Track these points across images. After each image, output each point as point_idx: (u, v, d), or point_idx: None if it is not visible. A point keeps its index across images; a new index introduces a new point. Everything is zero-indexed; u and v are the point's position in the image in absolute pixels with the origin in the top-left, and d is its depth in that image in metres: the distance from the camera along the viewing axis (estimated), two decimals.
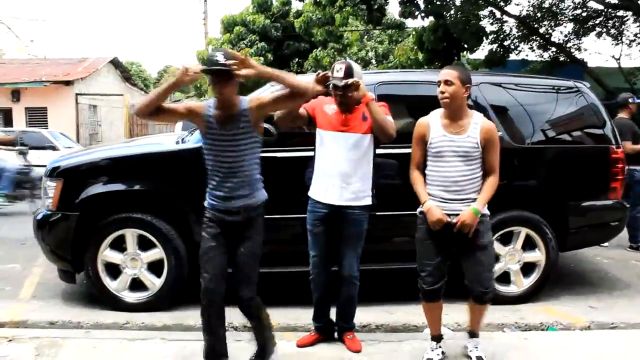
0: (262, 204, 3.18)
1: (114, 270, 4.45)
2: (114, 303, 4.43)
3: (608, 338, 4.03)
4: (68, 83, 21.75)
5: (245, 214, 3.10)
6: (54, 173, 4.46)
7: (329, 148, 3.57)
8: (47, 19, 78.80)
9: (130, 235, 4.39)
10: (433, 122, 3.34)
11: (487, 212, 3.36)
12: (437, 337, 3.54)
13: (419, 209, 3.40)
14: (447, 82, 3.23)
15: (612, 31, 16.86)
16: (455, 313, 4.36)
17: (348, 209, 3.53)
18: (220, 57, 2.83)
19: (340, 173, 3.53)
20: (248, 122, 3.00)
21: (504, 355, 3.54)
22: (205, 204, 3.18)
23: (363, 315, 3.88)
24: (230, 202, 3.07)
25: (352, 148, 3.53)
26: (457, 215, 3.25)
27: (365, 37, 28.85)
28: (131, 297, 4.45)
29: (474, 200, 3.27)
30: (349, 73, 3.47)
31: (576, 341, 3.96)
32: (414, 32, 19.92)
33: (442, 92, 3.25)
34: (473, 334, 3.60)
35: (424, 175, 3.38)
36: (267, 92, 3.24)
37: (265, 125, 4.16)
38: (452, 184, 3.27)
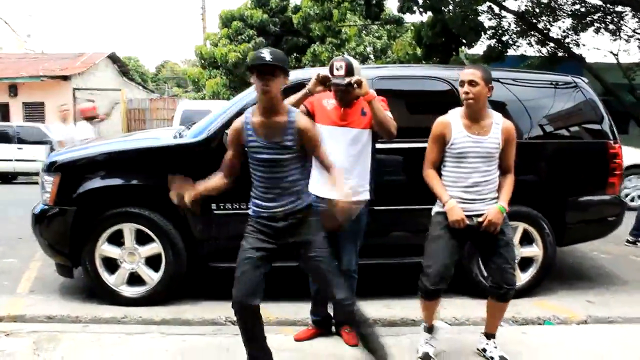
0: (309, 206, 3.03)
1: (111, 265, 4.45)
2: (112, 297, 4.43)
3: (605, 332, 4.05)
4: (65, 78, 21.70)
5: (292, 219, 2.96)
6: (52, 168, 4.45)
7: (327, 143, 3.53)
8: (44, 13, 78.44)
9: (128, 229, 4.39)
10: (454, 122, 3.28)
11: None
12: (430, 329, 3.53)
13: (436, 208, 3.38)
14: (472, 83, 3.19)
15: (611, 27, 16.85)
16: (453, 308, 4.39)
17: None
18: (266, 54, 2.77)
19: (341, 168, 3.51)
20: (290, 138, 2.87)
21: (501, 350, 3.54)
22: (250, 212, 3.06)
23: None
24: (274, 210, 2.94)
25: (350, 143, 3.52)
26: (477, 215, 3.24)
27: (364, 32, 28.77)
28: (129, 291, 4.46)
29: (493, 199, 3.28)
30: (349, 71, 3.44)
31: (573, 335, 3.98)
32: (412, 27, 19.89)
33: (467, 93, 3.20)
34: (490, 336, 3.56)
35: (439, 174, 3.36)
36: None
37: None
38: (473, 185, 3.25)
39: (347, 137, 3.52)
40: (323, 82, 3.42)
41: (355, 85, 3.38)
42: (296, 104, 3.41)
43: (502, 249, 3.30)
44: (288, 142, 2.86)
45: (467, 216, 3.24)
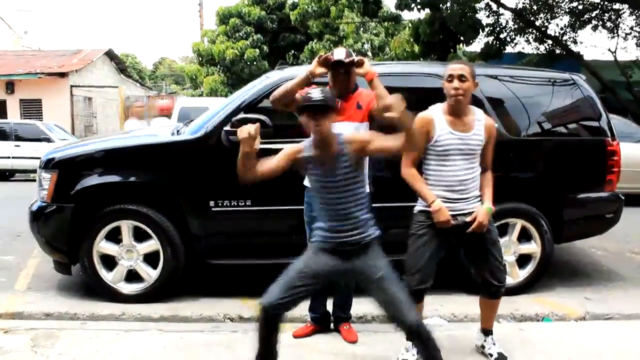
0: (374, 239, 2.90)
1: (109, 262, 4.45)
2: (110, 294, 4.43)
3: (603, 329, 4.06)
4: (63, 75, 21.68)
5: (357, 248, 2.86)
6: (49, 165, 4.44)
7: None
8: (41, 10, 78.23)
9: (126, 226, 4.38)
10: (438, 119, 3.20)
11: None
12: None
13: (418, 207, 3.29)
14: (462, 78, 3.12)
15: (608, 24, 16.88)
16: (451, 304, 4.39)
17: None
18: (316, 95, 2.76)
19: None
20: (348, 164, 2.83)
21: (500, 346, 3.55)
22: (314, 235, 2.99)
23: (359, 306, 3.88)
24: (337, 240, 2.87)
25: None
26: (462, 214, 3.20)
27: (362, 29, 28.75)
28: (127, 288, 4.45)
29: (476, 197, 3.24)
30: (349, 55, 3.50)
31: (571, 332, 3.99)
32: (410, 25, 19.86)
33: (457, 89, 3.12)
34: (487, 332, 3.54)
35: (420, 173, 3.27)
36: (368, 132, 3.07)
37: (261, 117, 4.19)
38: (458, 183, 3.19)
39: (346, 132, 3.51)
40: (325, 63, 3.41)
41: (357, 64, 3.42)
42: (295, 88, 3.42)
43: (490, 248, 3.27)
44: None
45: (452, 216, 3.18)
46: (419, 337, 2.82)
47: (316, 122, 2.75)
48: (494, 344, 3.49)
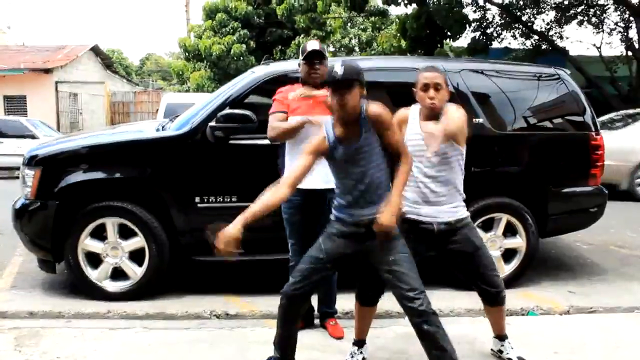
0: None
1: (94, 260, 4.41)
2: (95, 292, 4.39)
3: (587, 322, 4.09)
4: (47, 71, 21.50)
5: (371, 229, 2.82)
6: (32, 161, 4.39)
7: (301, 133, 3.54)
8: (24, 4, 77.33)
9: (111, 224, 4.34)
10: (412, 119, 3.10)
11: (467, 213, 3.17)
12: (359, 342, 3.35)
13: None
14: (438, 87, 2.97)
15: (593, 20, 17.02)
16: (436, 300, 4.38)
17: (324, 193, 3.49)
18: (339, 70, 2.74)
19: None
20: (368, 135, 2.82)
21: (485, 340, 3.57)
22: (331, 216, 3.01)
23: (345, 302, 3.89)
24: (356, 217, 2.87)
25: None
26: (433, 222, 3.06)
27: (349, 24, 28.75)
28: (112, 286, 4.42)
29: (452, 205, 3.10)
30: (322, 48, 3.67)
31: (556, 325, 4.02)
32: (397, 20, 19.91)
33: (432, 98, 2.96)
34: (502, 337, 3.41)
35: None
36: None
37: (246, 112, 4.17)
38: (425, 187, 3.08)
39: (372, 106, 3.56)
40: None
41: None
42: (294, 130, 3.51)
43: (476, 255, 3.12)
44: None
45: (421, 222, 3.06)
46: (421, 325, 2.77)
47: (340, 97, 2.75)
48: (512, 348, 3.38)
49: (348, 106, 2.77)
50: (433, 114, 3.01)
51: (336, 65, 2.79)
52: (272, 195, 2.80)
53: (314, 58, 3.60)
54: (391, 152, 2.86)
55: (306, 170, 2.86)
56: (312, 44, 3.65)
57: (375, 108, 2.82)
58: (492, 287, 3.17)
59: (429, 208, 3.07)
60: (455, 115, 2.94)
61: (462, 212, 3.13)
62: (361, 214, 2.86)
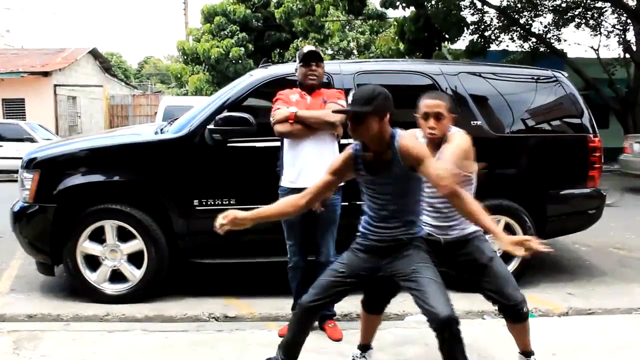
0: (418, 237, 2.82)
1: (93, 262, 4.41)
2: (94, 295, 4.39)
3: (585, 324, 4.10)
4: (46, 74, 21.47)
5: (397, 245, 2.79)
6: (31, 164, 4.39)
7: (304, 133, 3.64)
8: (23, 7, 77.37)
9: (110, 226, 4.35)
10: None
11: (477, 228, 2.98)
12: (363, 347, 3.28)
13: None
14: (439, 116, 2.86)
15: (591, 22, 17.05)
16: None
17: None
18: (350, 98, 2.63)
19: (312, 157, 3.60)
20: (401, 168, 2.66)
21: (484, 342, 3.57)
22: (360, 227, 2.92)
23: (343, 304, 3.85)
24: (381, 234, 2.80)
25: (321, 132, 3.63)
26: (447, 237, 3.01)
27: (347, 27, 28.80)
28: (111, 288, 4.42)
29: (461, 227, 3.03)
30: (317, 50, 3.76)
31: (554, 327, 4.02)
32: (395, 23, 19.93)
33: (433, 128, 2.87)
34: (527, 353, 3.17)
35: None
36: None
37: (245, 115, 4.18)
38: (432, 208, 3.03)
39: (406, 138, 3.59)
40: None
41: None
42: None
43: (488, 267, 2.96)
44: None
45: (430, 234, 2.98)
46: (443, 334, 2.58)
47: (353, 130, 2.64)
48: None
49: (365, 138, 2.66)
50: (434, 143, 2.93)
51: (351, 93, 2.68)
52: (289, 203, 2.81)
53: (311, 60, 3.67)
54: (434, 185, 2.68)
55: (325, 189, 2.80)
56: (309, 47, 3.75)
57: (404, 141, 2.66)
58: (510, 301, 2.93)
59: (437, 228, 3.03)
60: (451, 149, 2.84)
61: (472, 228, 3.02)
62: (387, 232, 2.79)
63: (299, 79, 3.77)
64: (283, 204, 2.82)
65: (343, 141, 3.72)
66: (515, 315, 2.98)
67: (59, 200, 4.29)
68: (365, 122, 2.60)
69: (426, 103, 2.90)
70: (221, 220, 2.68)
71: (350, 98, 2.64)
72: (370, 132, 2.62)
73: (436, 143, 2.92)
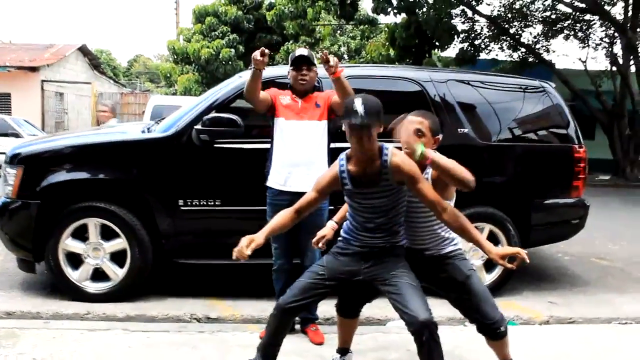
0: (399, 246, 2.89)
1: (75, 260, 4.37)
2: (75, 293, 4.34)
3: (566, 332, 4.13)
4: (34, 69, 21.27)
5: (379, 251, 2.85)
6: (15, 160, 4.34)
7: (289, 137, 3.67)
8: (11, 2, 76.67)
9: (93, 224, 4.31)
10: None
11: (458, 247, 3.06)
12: (342, 350, 3.31)
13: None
14: (419, 133, 2.80)
15: (580, 34, 17.24)
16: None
17: None
18: (359, 107, 2.59)
19: (303, 161, 3.62)
20: (388, 183, 2.72)
21: (465, 349, 3.58)
22: (342, 232, 2.99)
23: (326, 308, 3.87)
24: (364, 241, 2.87)
25: (312, 135, 3.66)
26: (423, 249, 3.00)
27: (338, 32, 28.87)
28: (93, 287, 4.37)
29: (444, 240, 3.04)
30: (311, 55, 3.75)
31: (535, 336, 4.04)
32: (386, 29, 20.02)
33: (408, 146, 2.81)
34: None
35: None
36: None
37: (232, 116, 4.17)
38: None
39: (309, 130, 3.65)
40: (262, 53, 3.50)
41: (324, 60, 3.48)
42: (252, 84, 3.56)
43: (466, 285, 2.94)
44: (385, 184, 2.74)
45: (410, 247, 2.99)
46: (421, 338, 2.61)
47: (358, 138, 2.64)
48: None
49: (365, 147, 2.68)
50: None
51: (356, 101, 2.62)
52: (286, 216, 2.91)
53: (302, 64, 3.67)
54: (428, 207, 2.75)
55: (311, 205, 2.89)
56: (301, 51, 3.74)
57: (397, 159, 2.70)
58: (487, 319, 2.93)
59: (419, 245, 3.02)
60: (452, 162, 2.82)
61: (451, 248, 3.03)
62: (370, 241, 2.84)
63: (290, 83, 3.78)
64: (282, 218, 2.92)
65: (333, 145, 3.73)
66: (492, 334, 2.98)
67: (43, 197, 4.25)
68: (372, 134, 2.64)
69: (409, 118, 2.90)
70: (247, 251, 2.80)
71: (361, 109, 2.59)
72: (372, 144, 2.68)
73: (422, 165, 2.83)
